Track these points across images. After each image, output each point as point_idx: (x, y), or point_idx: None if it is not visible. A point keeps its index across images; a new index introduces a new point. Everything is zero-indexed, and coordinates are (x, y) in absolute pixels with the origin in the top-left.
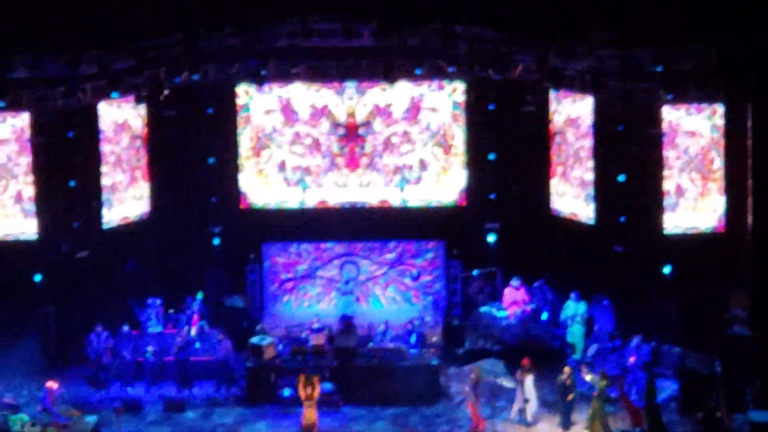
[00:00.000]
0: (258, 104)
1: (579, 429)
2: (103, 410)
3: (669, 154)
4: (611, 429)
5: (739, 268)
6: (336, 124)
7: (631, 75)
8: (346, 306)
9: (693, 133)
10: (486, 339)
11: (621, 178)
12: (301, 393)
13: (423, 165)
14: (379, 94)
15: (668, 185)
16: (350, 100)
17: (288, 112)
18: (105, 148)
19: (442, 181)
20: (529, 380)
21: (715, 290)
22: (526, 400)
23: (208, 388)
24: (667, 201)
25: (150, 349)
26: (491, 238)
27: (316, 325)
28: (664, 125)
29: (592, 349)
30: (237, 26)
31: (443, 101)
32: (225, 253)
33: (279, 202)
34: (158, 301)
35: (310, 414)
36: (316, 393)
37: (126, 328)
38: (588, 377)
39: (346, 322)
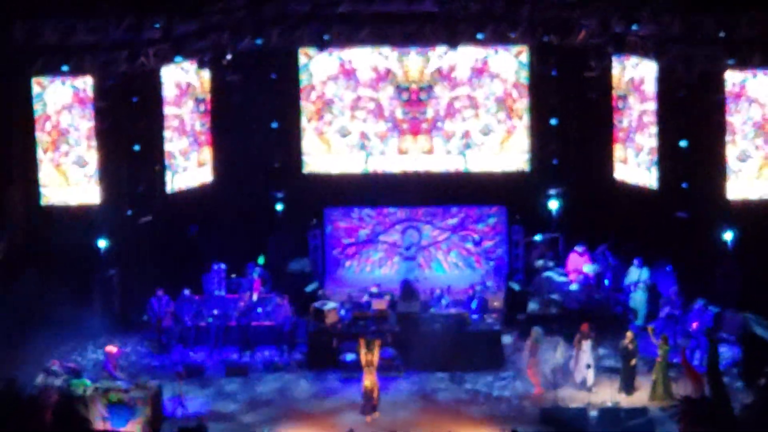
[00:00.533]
0: (319, 68)
1: (642, 394)
2: (165, 375)
3: (732, 120)
4: (673, 394)
5: None
6: (398, 89)
7: (694, 40)
8: (409, 271)
9: (756, 99)
10: (548, 305)
11: (683, 143)
12: (362, 358)
13: (486, 130)
14: (442, 58)
15: (732, 151)
16: (413, 64)
17: (349, 75)
18: (168, 113)
19: (505, 147)
20: (587, 345)
21: None
22: (588, 366)
23: (270, 353)
24: (731, 167)
25: (215, 312)
26: (554, 204)
27: (374, 290)
28: (728, 91)
29: (663, 312)
30: None
31: (507, 65)
32: (287, 219)
33: (341, 168)
34: (222, 266)
35: (370, 378)
36: (376, 358)
37: (187, 292)
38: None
39: (407, 288)
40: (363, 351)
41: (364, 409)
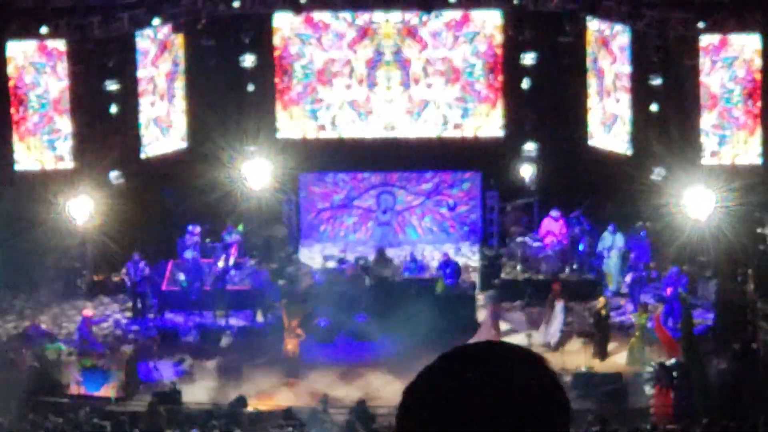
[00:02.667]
0: (290, 30)
1: (614, 359)
2: (139, 339)
3: (706, 85)
4: (648, 360)
5: None
6: (373, 52)
7: (668, 4)
8: (383, 236)
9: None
10: (522, 269)
11: (655, 108)
12: (284, 321)
13: (460, 95)
14: (415, 22)
15: (705, 116)
16: (386, 28)
17: (321, 38)
18: (143, 77)
19: (479, 112)
20: (559, 305)
21: (753, 221)
22: (568, 323)
23: (245, 317)
24: (706, 132)
25: (184, 277)
26: (528, 169)
27: (342, 255)
28: (701, 55)
29: (629, 277)
30: None
31: (481, 30)
32: (262, 183)
33: (314, 132)
34: (199, 229)
35: (292, 342)
36: (295, 323)
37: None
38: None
39: (381, 254)
40: (284, 315)
41: (289, 372)
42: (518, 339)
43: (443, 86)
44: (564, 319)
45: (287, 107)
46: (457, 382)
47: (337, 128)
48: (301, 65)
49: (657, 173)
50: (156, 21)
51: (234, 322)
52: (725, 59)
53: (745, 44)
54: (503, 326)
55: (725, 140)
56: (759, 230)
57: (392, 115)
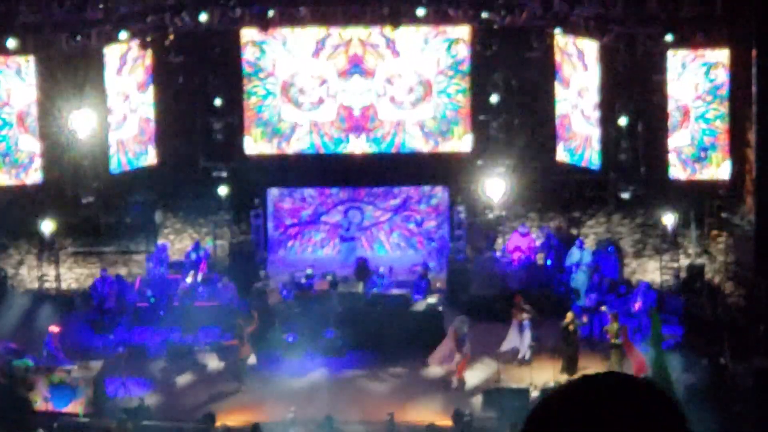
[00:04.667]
0: (255, 47)
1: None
2: (107, 355)
3: (673, 100)
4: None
5: (742, 216)
6: (337, 69)
7: (636, 20)
8: (350, 252)
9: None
10: (490, 285)
11: (625, 122)
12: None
13: (427, 110)
14: (381, 39)
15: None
16: (351, 44)
17: (285, 56)
18: (111, 92)
19: (447, 127)
20: (524, 318)
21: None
22: (536, 339)
23: (213, 333)
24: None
25: (152, 293)
26: (496, 185)
27: (309, 271)
28: (668, 71)
29: (591, 299)
30: None
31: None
32: (230, 199)
33: (283, 147)
34: (165, 247)
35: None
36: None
37: (131, 273)
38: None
39: (363, 266)
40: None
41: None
42: (487, 355)
43: (415, 104)
44: (530, 331)
45: (252, 124)
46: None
47: (303, 144)
48: (264, 79)
49: (625, 189)
50: (124, 36)
51: (202, 338)
52: (706, 77)
53: (714, 59)
54: (470, 343)
55: (697, 156)
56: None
57: (358, 131)
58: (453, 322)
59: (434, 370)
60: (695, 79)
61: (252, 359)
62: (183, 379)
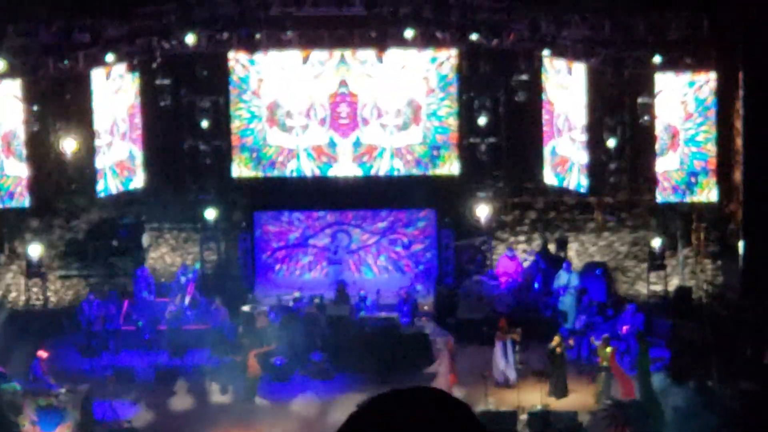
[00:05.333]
0: (247, 73)
1: (570, 397)
2: (95, 379)
3: (660, 122)
4: (603, 397)
5: (730, 239)
6: (326, 90)
7: (624, 43)
8: (337, 275)
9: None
10: (478, 308)
11: (613, 145)
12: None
13: (416, 135)
14: (367, 64)
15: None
16: (338, 70)
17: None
18: (98, 116)
19: (437, 153)
20: (507, 341)
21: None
22: (521, 363)
23: (201, 357)
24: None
25: (139, 317)
26: (483, 208)
27: (296, 294)
28: (657, 92)
29: (580, 321)
30: None
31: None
32: (217, 222)
33: (270, 171)
34: (148, 270)
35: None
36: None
37: (117, 296)
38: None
39: (340, 289)
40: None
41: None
42: (474, 378)
43: (403, 128)
44: (514, 354)
45: (236, 150)
46: (385, 425)
47: (290, 170)
48: (249, 101)
49: (613, 212)
50: (111, 59)
51: (190, 361)
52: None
53: (704, 80)
54: (459, 365)
55: (687, 182)
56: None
57: (346, 155)
58: (437, 343)
59: None
60: (684, 99)
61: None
62: (170, 402)
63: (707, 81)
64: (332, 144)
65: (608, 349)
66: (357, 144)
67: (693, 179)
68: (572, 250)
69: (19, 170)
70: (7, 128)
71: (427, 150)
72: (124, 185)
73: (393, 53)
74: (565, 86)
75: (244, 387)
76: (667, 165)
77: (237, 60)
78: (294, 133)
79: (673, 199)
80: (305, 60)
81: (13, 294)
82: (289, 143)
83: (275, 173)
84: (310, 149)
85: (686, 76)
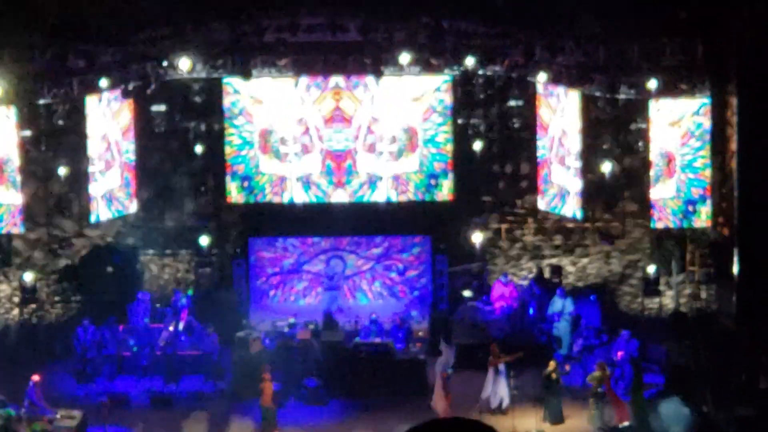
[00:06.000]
0: (240, 99)
1: (569, 423)
2: (90, 404)
3: (655, 148)
4: (597, 423)
5: (725, 264)
6: (321, 115)
7: (618, 68)
8: (332, 301)
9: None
10: (472, 333)
11: (607, 171)
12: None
13: (412, 162)
14: (361, 89)
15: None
16: (333, 97)
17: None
18: (92, 141)
19: (435, 182)
20: (499, 367)
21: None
22: (515, 388)
23: (196, 382)
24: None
25: (134, 342)
26: (478, 234)
27: (291, 320)
28: (651, 119)
29: (578, 344)
30: (224, 20)
31: (427, 97)
32: (212, 248)
33: (265, 197)
34: (148, 296)
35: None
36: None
37: (113, 322)
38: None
39: (329, 319)
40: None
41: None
42: (468, 403)
43: (398, 155)
44: (507, 379)
45: (232, 173)
46: None
47: (285, 198)
48: (240, 126)
49: (607, 238)
50: (105, 84)
51: (185, 387)
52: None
53: (697, 107)
54: (453, 391)
55: (684, 211)
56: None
57: (340, 182)
58: (436, 366)
59: (418, 416)
60: (680, 124)
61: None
62: (165, 428)
63: (703, 106)
64: (328, 172)
65: (597, 374)
66: (350, 172)
67: (690, 208)
68: (566, 276)
69: (12, 197)
70: (1, 155)
71: (423, 179)
72: (119, 211)
73: (388, 78)
74: (560, 112)
75: (263, 416)
76: (664, 192)
77: (228, 84)
78: (287, 161)
79: (669, 226)
80: (296, 84)
81: (7, 319)
82: (282, 171)
83: (270, 200)
84: (304, 178)
85: (681, 102)
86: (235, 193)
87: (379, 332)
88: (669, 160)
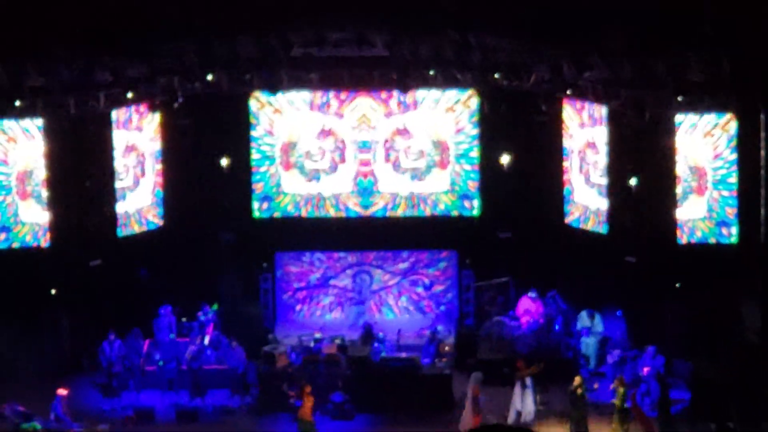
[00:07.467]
0: (266, 114)
1: None
2: (115, 419)
3: (683, 163)
4: None
5: (753, 279)
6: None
7: (645, 84)
8: (358, 316)
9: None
10: (498, 349)
11: (633, 185)
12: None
13: (443, 181)
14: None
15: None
16: (360, 113)
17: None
18: (119, 155)
19: (470, 204)
20: (526, 382)
21: (728, 301)
22: (542, 403)
23: (221, 397)
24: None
25: (160, 357)
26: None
27: (317, 335)
28: (678, 133)
29: (612, 357)
30: (251, 34)
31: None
32: (238, 262)
33: (292, 211)
34: (170, 309)
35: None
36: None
37: (139, 336)
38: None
39: (369, 332)
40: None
41: None
42: (495, 419)
43: (426, 173)
44: (534, 394)
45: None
46: None
47: (314, 208)
48: (258, 139)
49: (633, 255)
50: (131, 98)
51: (211, 401)
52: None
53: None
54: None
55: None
56: (738, 325)
57: (368, 195)
58: (470, 380)
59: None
60: (712, 136)
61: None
62: None
63: (732, 120)
64: (361, 192)
65: (621, 390)
66: (370, 192)
67: (725, 231)
68: (593, 292)
69: (37, 215)
70: (22, 168)
71: (456, 200)
72: (149, 223)
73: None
74: (586, 128)
75: (301, 429)
76: (694, 212)
77: (258, 100)
78: (313, 178)
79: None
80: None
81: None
82: (308, 190)
83: (297, 213)
84: (334, 198)
85: (711, 116)
86: (257, 213)
87: (393, 349)
88: (700, 175)
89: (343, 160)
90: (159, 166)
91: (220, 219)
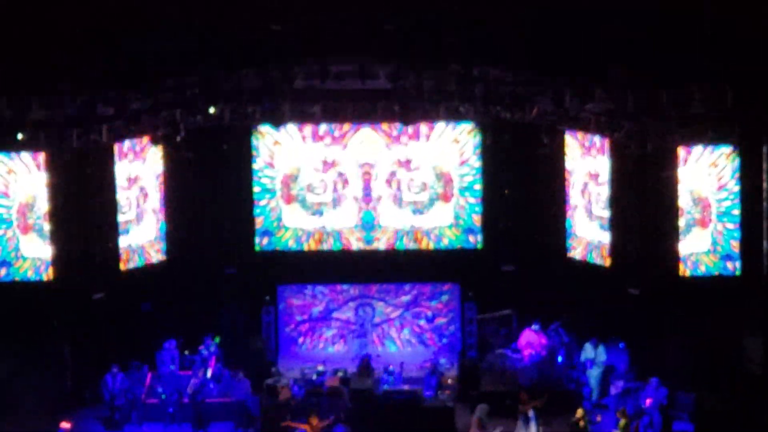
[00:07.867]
0: (266, 146)
1: None
2: None
3: (686, 194)
4: None
5: (755, 310)
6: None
7: (647, 116)
8: (361, 348)
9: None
10: (501, 381)
11: (635, 219)
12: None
13: (446, 215)
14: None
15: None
16: (362, 145)
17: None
18: (121, 189)
19: (474, 238)
20: (529, 414)
21: (730, 333)
22: None
23: (224, 430)
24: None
25: (163, 390)
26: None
27: (320, 368)
28: (680, 167)
29: (614, 388)
30: (253, 67)
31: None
32: (240, 295)
33: (294, 246)
34: (174, 343)
35: None
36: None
37: (141, 369)
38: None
39: (366, 364)
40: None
41: None
42: None
43: (429, 207)
44: (537, 427)
45: (261, 222)
46: None
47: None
48: (258, 171)
49: (635, 287)
50: (134, 132)
51: None
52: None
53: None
54: None
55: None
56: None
57: (369, 229)
58: (475, 412)
59: None
60: (716, 166)
61: None
62: None
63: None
64: (365, 226)
65: (623, 422)
66: (371, 227)
67: (729, 265)
68: (596, 324)
69: (38, 248)
70: (23, 200)
71: (460, 235)
72: (148, 258)
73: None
74: (588, 160)
75: None
76: (697, 245)
77: (260, 133)
78: (316, 213)
79: (696, 272)
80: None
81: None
82: (310, 224)
83: (299, 247)
84: (337, 233)
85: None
86: (258, 247)
87: (396, 382)
88: (704, 207)
89: (345, 193)
90: (160, 198)
91: (223, 252)
